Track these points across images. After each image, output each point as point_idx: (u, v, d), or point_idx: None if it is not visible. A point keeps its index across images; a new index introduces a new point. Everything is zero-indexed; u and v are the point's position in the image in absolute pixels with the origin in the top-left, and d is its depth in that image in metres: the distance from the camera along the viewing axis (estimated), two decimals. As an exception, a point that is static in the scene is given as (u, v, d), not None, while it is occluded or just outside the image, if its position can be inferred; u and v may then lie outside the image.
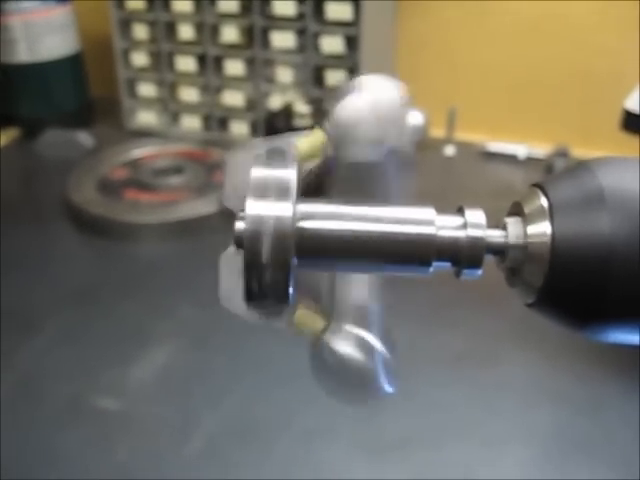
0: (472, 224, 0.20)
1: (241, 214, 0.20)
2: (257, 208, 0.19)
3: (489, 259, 0.21)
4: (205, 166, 0.82)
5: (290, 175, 0.20)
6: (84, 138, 0.92)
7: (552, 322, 0.20)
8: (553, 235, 0.19)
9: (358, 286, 0.22)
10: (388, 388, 0.20)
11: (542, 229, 0.19)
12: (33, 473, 0.46)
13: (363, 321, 0.20)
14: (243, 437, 0.49)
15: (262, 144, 0.21)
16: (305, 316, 0.21)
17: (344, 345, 0.20)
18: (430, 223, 0.20)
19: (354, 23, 0.79)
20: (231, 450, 0.48)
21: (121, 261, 0.70)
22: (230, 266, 0.21)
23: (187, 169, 0.82)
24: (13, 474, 0.46)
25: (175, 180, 0.80)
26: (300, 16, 0.81)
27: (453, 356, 0.56)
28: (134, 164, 0.84)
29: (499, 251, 0.20)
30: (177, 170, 0.82)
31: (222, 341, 0.58)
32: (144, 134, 0.92)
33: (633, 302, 0.19)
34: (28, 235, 0.74)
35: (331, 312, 0.21)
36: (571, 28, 0.83)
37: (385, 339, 0.20)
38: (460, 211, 0.21)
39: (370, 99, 0.22)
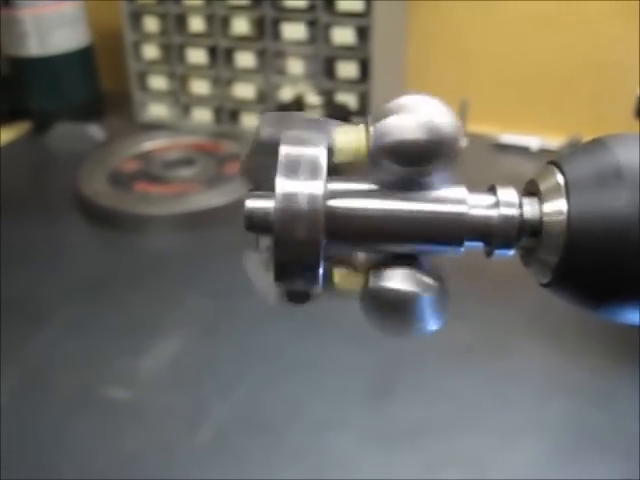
0: (504, 203, 0.20)
1: (251, 194, 0.20)
2: (288, 186, 0.19)
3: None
4: (216, 158, 0.82)
5: (320, 153, 0.19)
6: (95, 131, 0.92)
7: (567, 302, 0.20)
8: (569, 213, 0.19)
9: None
10: (434, 324, 0.20)
11: (558, 207, 0.19)
12: (42, 464, 0.46)
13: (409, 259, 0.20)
14: (253, 427, 0.48)
15: (299, 119, 0.21)
16: (344, 276, 0.21)
17: (393, 282, 0.20)
18: (462, 202, 0.20)
19: (365, 14, 0.79)
20: (241, 440, 0.47)
21: (131, 253, 0.70)
22: (255, 265, 0.21)
23: (198, 161, 0.82)
24: (23, 465, 0.46)
25: (186, 172, 0.80)
26: (311, 7, 0.81)
27: (464, 347, 0.55)
28: (145, 156, 0.84)
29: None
30: (188, 162, 0.82)
31: (232, 332, 0.58)
32: (155, 127, 0.92)
33: None
34: (38, 227, 0.74)
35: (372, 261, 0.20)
36: (582, 19, 0.83)
37: (433, 275, 0.20)
38: (492, 190, 0.21)
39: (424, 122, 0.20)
